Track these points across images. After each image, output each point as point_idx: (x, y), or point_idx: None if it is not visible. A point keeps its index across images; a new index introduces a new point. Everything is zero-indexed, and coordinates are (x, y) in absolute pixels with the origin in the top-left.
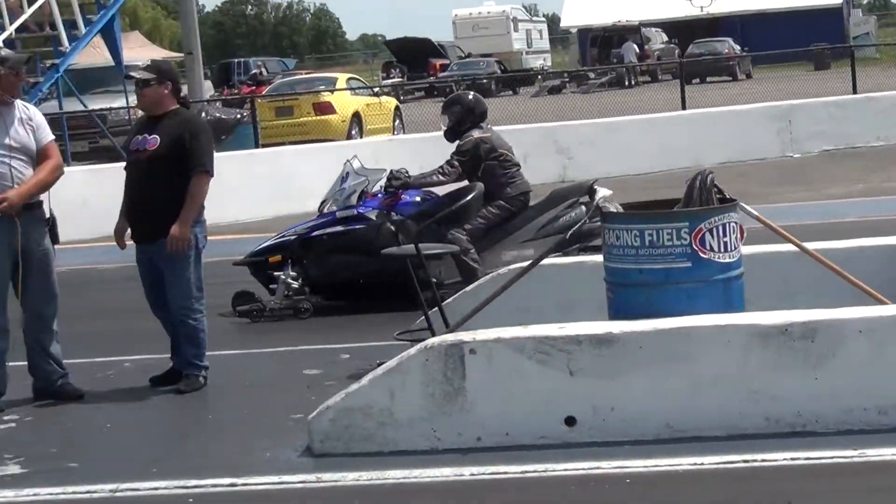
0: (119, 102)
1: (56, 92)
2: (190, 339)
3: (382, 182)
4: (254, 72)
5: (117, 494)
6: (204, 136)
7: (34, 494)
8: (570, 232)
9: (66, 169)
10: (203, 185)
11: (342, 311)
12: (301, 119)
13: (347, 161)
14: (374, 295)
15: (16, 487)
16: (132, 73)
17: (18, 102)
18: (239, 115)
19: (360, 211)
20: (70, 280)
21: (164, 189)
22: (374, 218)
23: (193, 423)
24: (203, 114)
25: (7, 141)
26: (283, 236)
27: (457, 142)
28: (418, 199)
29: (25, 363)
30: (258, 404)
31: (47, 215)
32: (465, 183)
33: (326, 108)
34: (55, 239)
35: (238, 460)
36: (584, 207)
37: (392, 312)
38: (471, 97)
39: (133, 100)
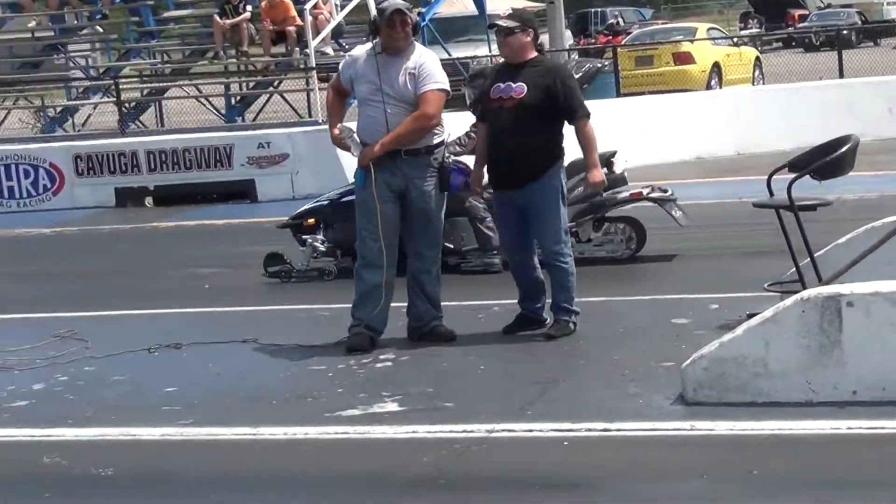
0: (481, 51)
1: (421, 40)
2: (560, 283)
3: None
4: (610, 21)
5: (493, 435)
6: (572, 82)
7: (412, 432)
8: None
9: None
10: (590, 128)
11: (714, 259)
12: (660, 69)
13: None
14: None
15: (394, 424)
16: (496, 22)
17: (416, 51)
18: (600, 65)
19: None
20: None
21: (531, 136)
22: None
23: (564, 368)
24: (569, 63)
25: (385, 88)
26: (319, 201)
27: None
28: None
29: (402, 303)
30: (628, 351)
31: (440, 161)
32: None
33: (686, 58)
34: (443, 186)
35: (611, 406)
36: None
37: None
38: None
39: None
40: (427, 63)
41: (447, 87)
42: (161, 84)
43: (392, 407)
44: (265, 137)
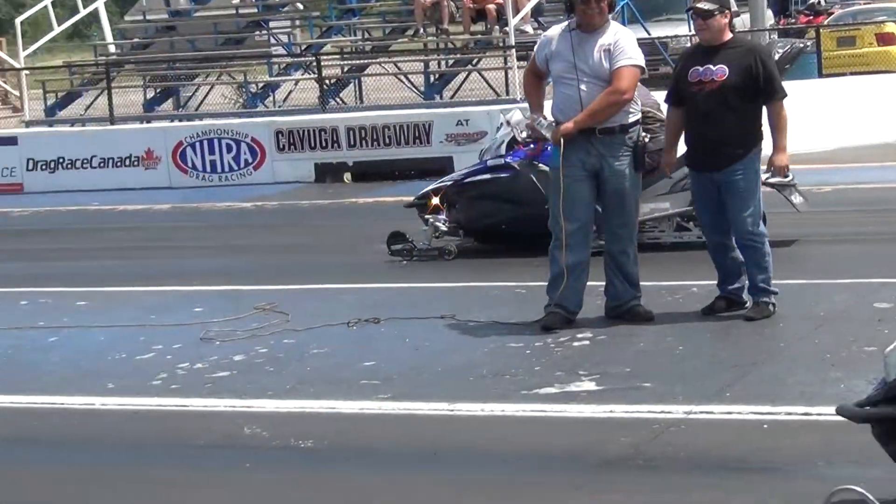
0: (680, 30)
1: (620, 18)
2: (757, 264)
3: (523, 135)
4: (811, 1)
5: (691, 416)
6: (772, 63)
7: (609, 411)
8: None
9: None
10: (783, 110)
11: None
12: (862, 49)
13: (501, 112)
14: (519, 241)
15: (591, 403)
16: (695, 5)
17: (611, 28)
18: (802, 45)
19: (508, 160)
20: None
21: (734, 117)
22: (518, 168)
23: (763, 351)
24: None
25: (580, 65)
26: (443, 181)
27: None
28: None
29: (600, 282)
30: (829, 335)
31: (635, 140)
32: None
33: (889, 39)
34: (638, 165)
35: (812, 390)
36: None
37: None
38: None
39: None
40: (622, 39)
41: (642, 63)
42: (361, 61)
43: (589, 386)
44: (464, 115)
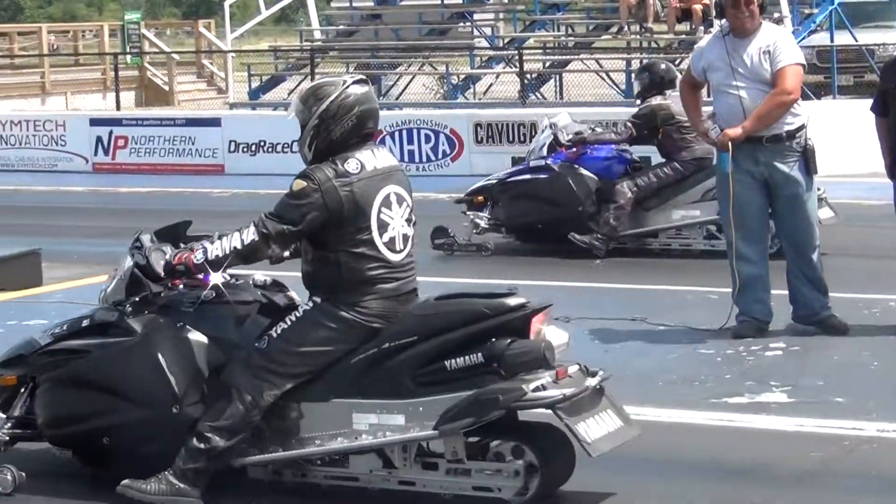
0: (889, 36)
1: (829, 24)
2: None
3: (567, 137)
4: None
5: (884, 435)
6: None
7: (799, 425)
8: None
9: (829, 102)
10: None
11: None
12: None
13: (546, 117)
14: (557, 240)
15: (781, 415)
16: None
17: (766, 29)
18: None
19: (549, 162)
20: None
21: None
22: (557, 170)
23: None
24: None
25: (738, 71)
26: (490, 179)
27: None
28: (604, 154)
29: (786, 292)
30: None
31: (803, 145)
32: None
33: None
34: (811, 169)
35: None
36: None
37: None
38: (662, 67)
39: None
40: (780, 39)
41: (803, 60)
42: (563, 57)
43: (780, 398)
44: None
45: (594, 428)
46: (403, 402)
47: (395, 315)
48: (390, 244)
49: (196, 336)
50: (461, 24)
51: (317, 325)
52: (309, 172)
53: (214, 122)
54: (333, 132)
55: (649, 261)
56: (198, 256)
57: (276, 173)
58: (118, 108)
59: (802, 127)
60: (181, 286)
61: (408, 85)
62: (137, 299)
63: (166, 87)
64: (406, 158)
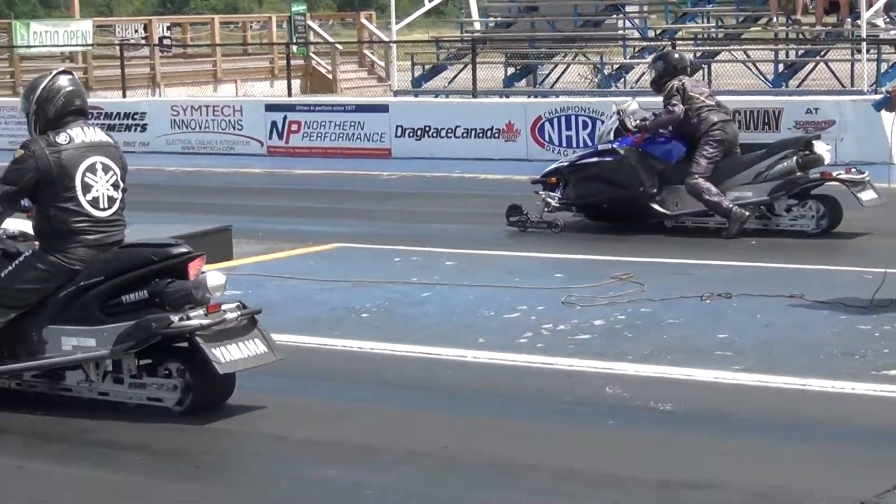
0: None
1: None
2: None
3: (633, 123)
4: None
5: None
6: None
7: None
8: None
9: None
10: None
11: None
12: None
13: (614, 104)
14: (622, 218)
15: None
16: None
17: None
18: None
19: (615, 146)
20: None
21: None
22: (623, 153)
23: None
24: None
25: None
26: (561, 162)
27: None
28: (665, 140)
29: None
30: None
31: None
32: None
33: None
34: None
35: None
36: (796, 159)
37: None
38: (675, 56)
39: None
40: None
41: None
42: (713, 48)
43: None
44: (813, 104)
45: (234, 352)
46: (94, 328)
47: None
48: (94, 203)
49: None
50: (614, 15)
51: (31, 267)
52: (26, 143)
53: (383, 108)
54: (48, 112)
55: (797, 241)
56: None
57: (439, 157)
58: (289, 94)
59: None
60: None
61: (562, 74)
62: None
63: (329, 76)
64: (564, 143)
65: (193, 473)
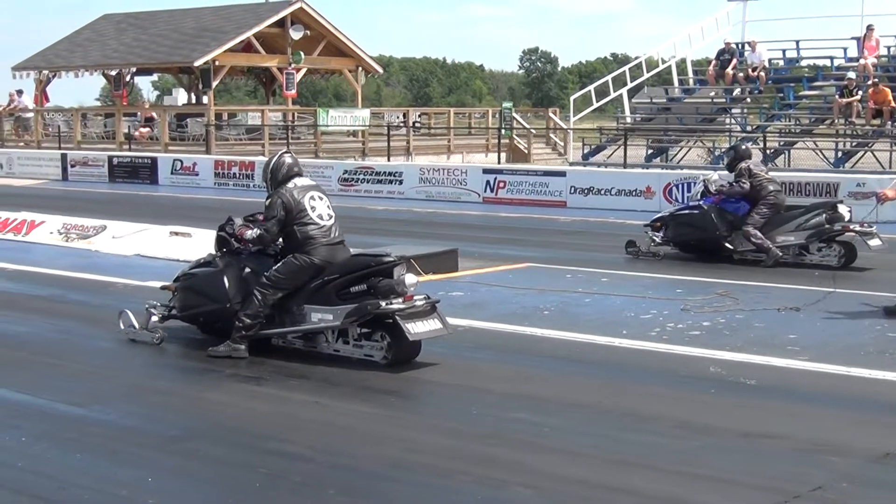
0: None
1: None
2: None
3: (713, 188)
4: None
5: None
6: None
7: None
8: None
9: None
10: None
11: None
12: None
13: (701, 175)
14: (703, 252)
15: None
16: None
17: None
18: None
19: (701, 203)
20: None
21: None
22: (705, 208)
23: None
24: None
25: None
26: (664, 213)
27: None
28: (734, 200)
29: None
30: None
31: None
32: None
33: None
34: None
35: None
36: (825, 216)
37: None
38: (742, 147)
39: None
40: None
41: None
42: (792, 139)
43: None
44: (861, 180)
45: (420, 326)
46: (332, 308)
47: (333, 258)
48: (319, 216)
49: (246, 268)
50: (724, 115)
51: (291, 263)
52: (274, 193)
53: (561, 173)
54: (279, 176)
55: (828, 272)
56: (248, 234)
57: (599, 208)
58: (499, 162)
59: None
60: (251, 246)
61: (685, 154)
62: (225, 250)
63: (525, 150)
64: (683, 201)
65: (409, 406)
